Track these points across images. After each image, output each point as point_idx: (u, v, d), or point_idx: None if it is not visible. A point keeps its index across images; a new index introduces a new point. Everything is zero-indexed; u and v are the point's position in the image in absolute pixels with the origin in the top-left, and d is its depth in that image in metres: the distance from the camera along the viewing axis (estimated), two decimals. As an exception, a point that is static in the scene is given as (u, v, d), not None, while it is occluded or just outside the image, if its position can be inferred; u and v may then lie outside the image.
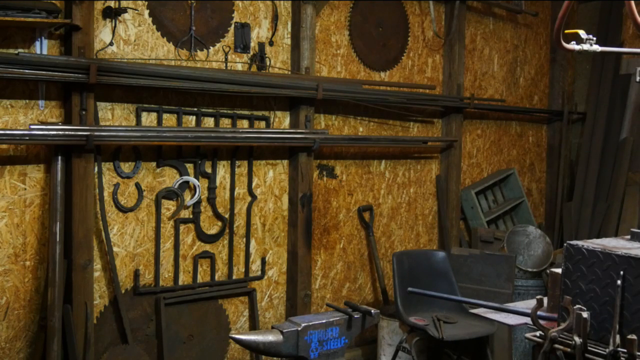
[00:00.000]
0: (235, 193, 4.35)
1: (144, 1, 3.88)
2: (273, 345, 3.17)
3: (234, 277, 4.36)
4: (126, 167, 3.88)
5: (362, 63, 5.04)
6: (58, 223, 3.49)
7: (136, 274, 3.92)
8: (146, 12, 3.90)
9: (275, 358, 3.77)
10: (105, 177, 3.80)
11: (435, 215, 5.72)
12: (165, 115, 3.99)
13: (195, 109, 4.11)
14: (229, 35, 4.26)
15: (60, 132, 3.43)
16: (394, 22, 5.23)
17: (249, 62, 4.34)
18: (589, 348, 2.32)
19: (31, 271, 3.57)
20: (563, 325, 2.39)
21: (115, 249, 3.83)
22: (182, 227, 4.11)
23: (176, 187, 4.05)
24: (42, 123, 3.48)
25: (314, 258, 4.82)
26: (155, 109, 3.94)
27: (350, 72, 4.96)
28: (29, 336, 3.58)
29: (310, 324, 3.29)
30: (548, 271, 4.14)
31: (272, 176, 4.55)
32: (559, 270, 2.59)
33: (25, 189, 3.52)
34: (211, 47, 4.18)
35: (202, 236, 4.20)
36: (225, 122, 4.26)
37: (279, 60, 4.51)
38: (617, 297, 2.26)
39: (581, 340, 2.30)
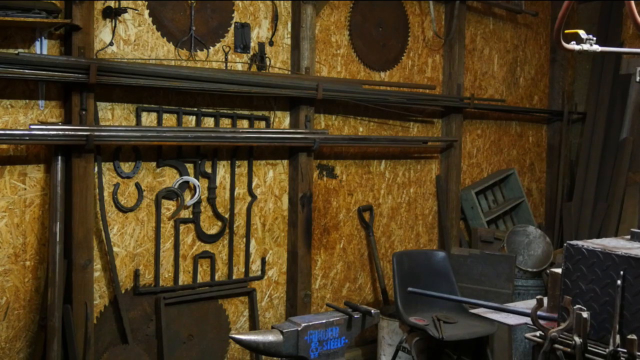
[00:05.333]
0: (235, 193, 4.35)
1: (144, 1, 3.88)
2: (273, 345, 3.17)
3: (234, 277, 4.36)
4: (126, 167, 3.88)
5: (362, 63, 5.04)
6: (58, 223, 3.49)
7: (136, 274, 3.92)
8: (146, 12, 3.90)
9: (275, 358, 3.77)
10: (105, 177, 3.80)
11: (435, 215, 5.72)
12: (165, 115, 3.99)
13: (195, 109, 4.11)
14: (229, 35, 4.26)
15: (60, 132, 3.43)
16: (394, 22, 5.23)
17: (249, 62, 4.34)
18: (589, 348, 2.32)
19: (31, 271, 3.57)
20: (563, 325, 2.39)
21: (115, 249, 3.83)
22: (182, 227, 4.11)
23: (176, 187, 4.05)
24: (42, 123, 3.48)
25: (314, 258, 4.82)
26: (155, 109, 3.94)
27: (350, 72, 4.96)
28: (29, 336, 3.58)
29: (310, 324, 3.29)
30: (548, 271, 4.14)
31: (272, 176, 4.55)
32: (559, 270, 2.59)
33: (25, 189, 3.52)
34: (211, 47, 4.18)
35: (202, 236, 4.20)
36: (225, 122, 4.26)
37: (279, 60, 4.51)
38: (617, 297, 2.26)
39: (581, 340, 2.30)
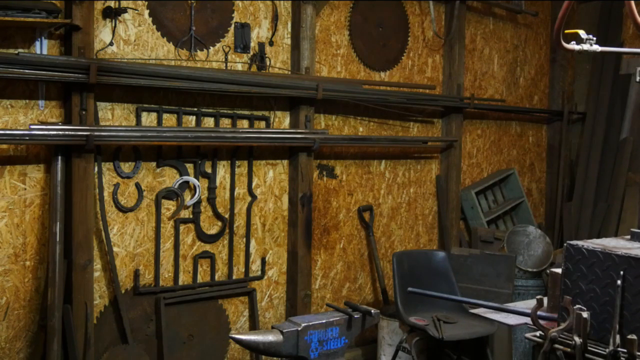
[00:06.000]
0: (235, 193, 4.35)
1: (144, 1, 3.88)
2: (273, 345, 3.17)
3: (234, 277, 4.36)
4: (126, 167, 3.88)
5: (362, 63, 5.04)
6: (58, 223, 3.49)
7: (136, 274, 3.92)
8: (146, 12, 3.90)
9: (275, 358, 3.77)
10: (105, 177, 3.80)
11: (435, 215, 5.72)
12: (165, 115, 3.99)
13: (195, 109, 4.11)
14: (229, 35, 4.26)
15: (60, 132, 3.43)
16: (394, 22, 5.23)
17: (249, 62, 4.34)
18: (589, 348, 2.32)
19: (31, 271, 3.57)
20: (563, 325, 2.39)
21: (115, 249, 3.83)
22: (182, 227, 4.11)
23: (176, 187, 4.05)
24: (42, 123, 3.48)
25: (314, 258, 4.82)
26: (155, 109, 3.94)
27: (350, 72, 4.96)
28: (29, 336, 3.58)
29: (310, 324, 3.29)
30: (548, 271, 4.14)
31: (272, 176, 4.55)
32: (559, 270, 2.59)
33: (25, 189, 3.52)
34: (211, 47, 4.18)
35: (202, 236, 4.20)
36: (225, 122, 4.26)
37: (279, 60, 4.51)
38: (617, 297, 2.26)
39: (581, 340, 2.30)
